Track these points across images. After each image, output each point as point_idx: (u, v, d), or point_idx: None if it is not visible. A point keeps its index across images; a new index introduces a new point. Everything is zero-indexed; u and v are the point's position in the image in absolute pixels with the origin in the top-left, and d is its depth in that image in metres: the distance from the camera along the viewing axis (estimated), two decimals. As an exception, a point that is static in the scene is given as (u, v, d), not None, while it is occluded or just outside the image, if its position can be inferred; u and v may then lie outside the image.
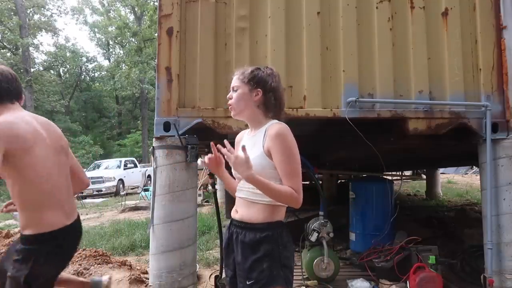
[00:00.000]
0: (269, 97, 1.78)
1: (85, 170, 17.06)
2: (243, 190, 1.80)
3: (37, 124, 1.89)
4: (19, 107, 1.92)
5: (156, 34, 3.87)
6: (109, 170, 17.19)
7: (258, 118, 1.80)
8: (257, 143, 1.75)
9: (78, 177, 2.16)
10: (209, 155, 1.84)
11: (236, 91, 1.78)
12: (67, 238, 1.91)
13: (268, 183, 1.62)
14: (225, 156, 1.63)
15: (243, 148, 1.60)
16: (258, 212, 1.74)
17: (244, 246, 1.73)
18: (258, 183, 1.61)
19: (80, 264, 3.99)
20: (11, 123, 1.78)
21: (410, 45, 3.25)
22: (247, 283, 1.69)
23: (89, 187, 14.31)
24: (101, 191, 15.96)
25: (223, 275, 2.87)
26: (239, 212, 1.81)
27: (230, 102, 1.80)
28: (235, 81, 1.81)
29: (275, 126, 1.72)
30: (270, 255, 1.69)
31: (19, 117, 1.84)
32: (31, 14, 27.69)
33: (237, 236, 1.77)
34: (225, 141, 1.68)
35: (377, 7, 3.24)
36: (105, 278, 2.70)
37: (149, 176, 14.23)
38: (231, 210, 1.91)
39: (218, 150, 1.67)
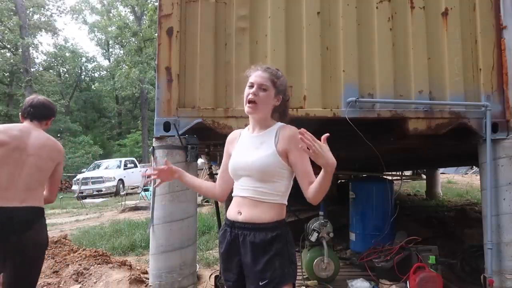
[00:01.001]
0: (282, 105, 1.85)
1: (85, 170, 17.14)
2: (247, 189, 1.76)
3: (26, 135, 2.37)
4: (35, 124, 2.46)
5: (156, 34, 3.86)
6: (109, 170, 17.19)
7: (267, 120, 1.83)
8: (267, 143, 1.77)
9: (49, 190, 2.51)
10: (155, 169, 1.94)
11: (264, 90, 1.76)
12: None
13: None
14: (311, 146, 1.49)
15: (325, 138, 1.52)
16: (266, 211, 1.73)
17: (254, 247, 1.71)
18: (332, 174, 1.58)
19: (80, 264, 3.98)
20: (7, 125, 2.38)
21: (410, 45, 3.25)
22: (260, 283, 1.67)
23: (89, 187, 14.38)
24: (101, 191, 15.96)
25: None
26: (244, 213, 1.76)
27: (255, 99, 1.75)
28: (265, 80, 1.77)
29: (288, 128, 1.77)
30: (280, 253, 1.71)
31: (20, 127, 2.41)
32: (30, 14, 27.68)
33: (244, 238, 1.73)
34: (166, 161, 1.94)
35: (377, 7, 3.24)
36: None
37: (149, 176, 14.20)
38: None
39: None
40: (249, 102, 1.76)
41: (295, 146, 1.68)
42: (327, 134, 1.53)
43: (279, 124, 1.82)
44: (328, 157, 1.51)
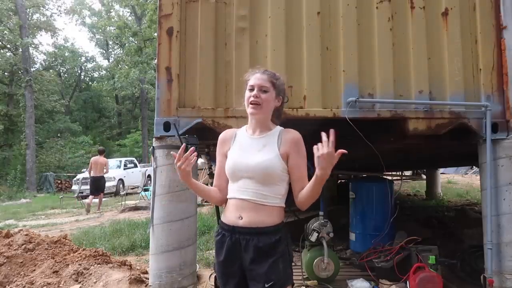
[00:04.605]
0: (281, 107, 1.91)
1: (84, 170, 18.15)
2: (248, 191, 1.75)
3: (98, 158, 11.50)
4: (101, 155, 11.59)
5: (156, 34, 3.86)
6: (109, 170, 17.15)
7: (268, 121, 1.85)
8: (269, 145, 1.78)
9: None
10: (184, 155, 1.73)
11: (265, 92, 1.79)
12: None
13: None
14: (324, 147, 1.55)
15: (340, 152, 1.58)
16: (268, 215, 1.75)
17: (258, 251, 1.71)
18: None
19: (80, 264, 3.98)
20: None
21: (410, 45, 3.24)
22: (266, 285, 1.69)
23: (89, 187, 15.61)
24: (101, 191, 15.91)
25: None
26: (245, 217, 1.74)
27: (258, 100, 1.77)
28: (265, 82, 1.79)
29: (291, 132, 1.82)
30: (283, 255, 1.74)
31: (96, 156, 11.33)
32: (30, 14, 27.65)
33: (247, 242, 1.73)
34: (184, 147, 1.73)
35: (377, 7, 3.24)
36: None
37: (149, 176, 14.23)
38: None
39: None
40: (252, 103, 1.77)
41: (296, 150, 1.76)
42: (343, 151, 1.59)
43: (280, 127, 1.85)
44: (330, 165, 1.58)
